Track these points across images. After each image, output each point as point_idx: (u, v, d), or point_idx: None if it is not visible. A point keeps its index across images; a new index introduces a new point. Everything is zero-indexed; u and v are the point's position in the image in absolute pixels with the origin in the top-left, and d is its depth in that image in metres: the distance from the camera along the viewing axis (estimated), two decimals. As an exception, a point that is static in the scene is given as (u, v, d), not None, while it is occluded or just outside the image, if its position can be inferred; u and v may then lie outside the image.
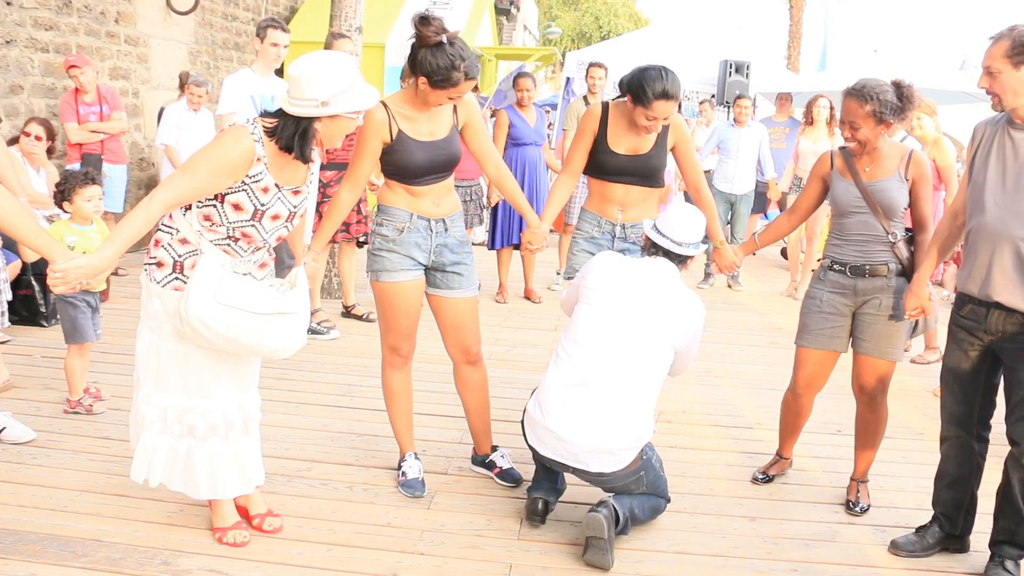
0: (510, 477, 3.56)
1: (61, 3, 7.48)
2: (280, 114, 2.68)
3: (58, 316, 4.34)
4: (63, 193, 4.06)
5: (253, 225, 2.73)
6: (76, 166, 6.47)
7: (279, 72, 5.16)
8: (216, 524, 3.06)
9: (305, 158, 2.74)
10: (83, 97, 6.74)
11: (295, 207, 2.82)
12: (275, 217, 2.76)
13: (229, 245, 2.76)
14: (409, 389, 3.52)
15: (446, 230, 3.33)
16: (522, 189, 4.84)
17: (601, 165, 3.58)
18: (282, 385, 4.60)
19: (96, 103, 6.72)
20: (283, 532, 3.12)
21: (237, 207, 2.68)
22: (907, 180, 3.34)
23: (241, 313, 2.66)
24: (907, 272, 3.35)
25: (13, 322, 5.02)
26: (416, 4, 11.79)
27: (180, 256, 2.72)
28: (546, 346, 5.74)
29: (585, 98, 7.59)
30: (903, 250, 3.34)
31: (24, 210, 2.44)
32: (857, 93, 3.22)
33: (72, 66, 6.66)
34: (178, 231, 2.74)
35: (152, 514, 3.21)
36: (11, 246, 4.29)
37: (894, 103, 3.20)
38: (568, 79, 12.19)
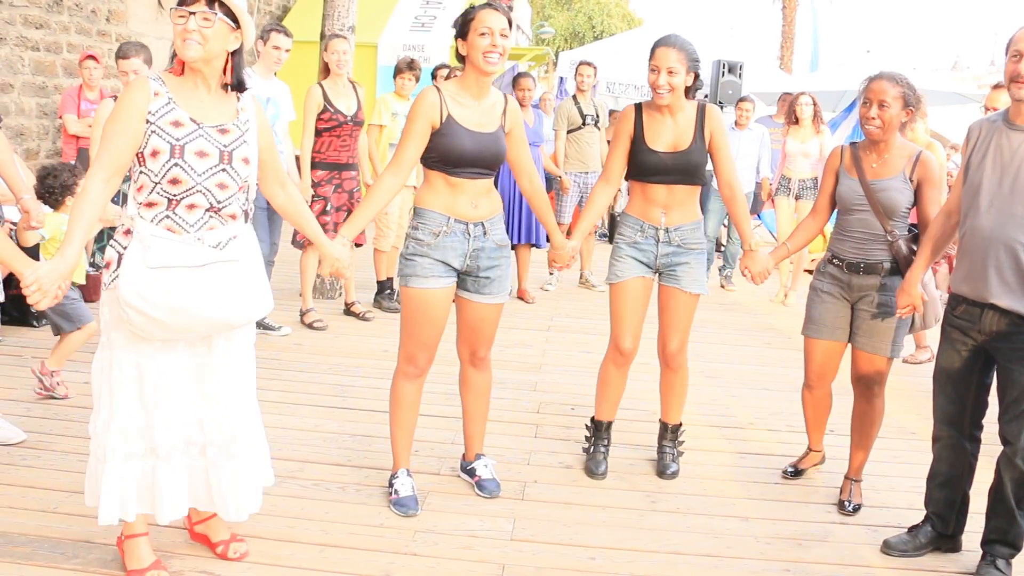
0: (488, 488, 3.51)
1: (52, 1, 7.46)
2: None
3: (45, 316, 4.34)
4: (64, 186, 4.05)
5: (176, 164, 2.51)
6: (72, 164, 6.46)
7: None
8: (131, 566, 2.82)
9: (236, 87, 2.63)
10: (87, 93, 6.79)
11: (225, 147, 2.59)
12: (200, 154, 2.54)
13: (170, 218, 2.56)
14: (417, 403, 3.42)
15: (484, 234, 3.25)
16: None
17: (642, 165, 3.54)
18: (274, 386, 4.59)
19: (98, 101, 6.73)
20: (275, 532, 3.11)
21: (155, 153, 2.51)
22: (912, 181, 3.35)
23: (175, 271, 2.50)
24: (903, 270, 3.35)
25: (3, 322, 4.99)
26: (409, 3, 11.80)
27: (124, 248, 2.58)
28: (538, 346, 5.74)
29: (574, 97, 7.60)
30: (903, 248, 3.35)
31: None
32: (888, 75, 3.31)
33: (89, 57, 6.68)
34: (123, 224, 2.63)
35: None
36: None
37: (916, 94, 3.30)
38: (561, 79, 12.19)
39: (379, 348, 5.48)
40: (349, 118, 5.73)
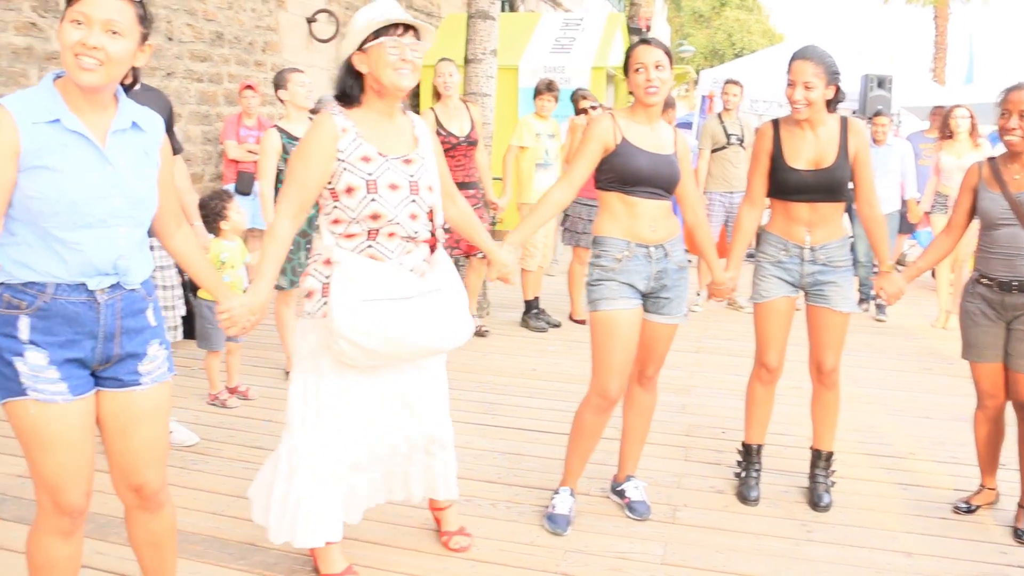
0: (638, 510, 3.47)
1: (214, 36, 7.93)
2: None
3: (194, 324, 4.62)
4: (216, 213, 4.31)
5: (373, 199, 2.61)
6: (231, 186, 6.86)
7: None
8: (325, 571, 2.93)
9: (352, 99, 2.68)
10: (245, 121, 7.18)
11: (412, 176, 2.69)
12: (392, 187, 2.64)
13: (371, 247, 2.68)
14: (600, 433, 3.37)
15: (666, 255, 3.24)
16: None
17: (782, 184, 3.47)
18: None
19: (256, 128, 7.12)
20: (426, 547, 3.17)
21: (349, 190, 2.61)
22: None
23: (387, 303, 2.59)
24: None
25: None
26: (549, 26, 11.93)
27: (327, 278, 2.67)
28: (686, 368, 5.63)
29: (719, 115, 7.50)
30: None
31: (201, 253, 2.55)
32: None
33: (248, 87, 7.08)
34: (320, 254, 2.73)
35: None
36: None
37: None
38: (703, 98, 12.04)
39: (526, 367, 5.53)
40: (462, 139, 5.78)
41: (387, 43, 2.59)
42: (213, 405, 4.61)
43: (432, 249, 2.81)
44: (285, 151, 4.80)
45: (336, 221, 2.69)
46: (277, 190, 4.87)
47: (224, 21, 8.06)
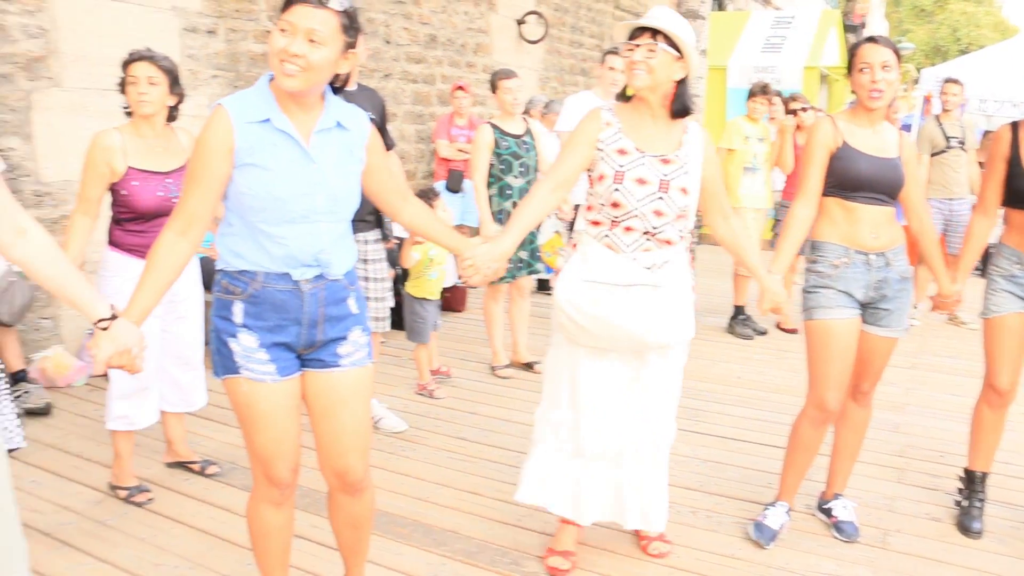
0: (846, 531, 3.30)
1: (428, 38, 8.27)
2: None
3: (403, 316, 4.82)
4: None
5: (617, 189, 2.70)
6: (442, 183, 7.12)
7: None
8: (550, 544, 3.12)
9: (625, 98, 2.82)
10: (457, 120, 7.44)
11: (665, 176, 2.72)
12: (640, 181, 2.70)
13: (608, 237, 2.76)
14: (817, 448, 3.26)
15: (887, 264, 3.11)
16: None
17: (1020, 193, 3.21)
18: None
19: (467, 128, 7.37)
20: (623, 548, 3.17)
21: (601, 177, 2.75)
22: None
23: (603, 287, 2.71)
24: None
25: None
26: (759, 24, 11.59)
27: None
28: (901, 384, 5.29)
29: (937, 117, 7.01)
30: None
31: (433, 215, 2.68)
32: None
33: (460, 88, 7.35)
34: (573, 238, 2.93)
35: (504, 515, 3.40)
36: (393, 257, 4.76)
37: None
38: (924, 99, 11.30)
39: (731, 374, 5.39)
40: None
41: (623, 48, 2.74)
42: (421, 395, 4.80)
43: (672, 250, 2.81)
44: (497, 146, 4.94)
45: (589, 208, 2.85)
46: (488, 185, 5.02)
47: (438, 24, 8.39)
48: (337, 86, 2.26)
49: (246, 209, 2.15)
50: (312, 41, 2.05)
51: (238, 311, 2.20)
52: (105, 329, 2.03)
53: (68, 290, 1.99)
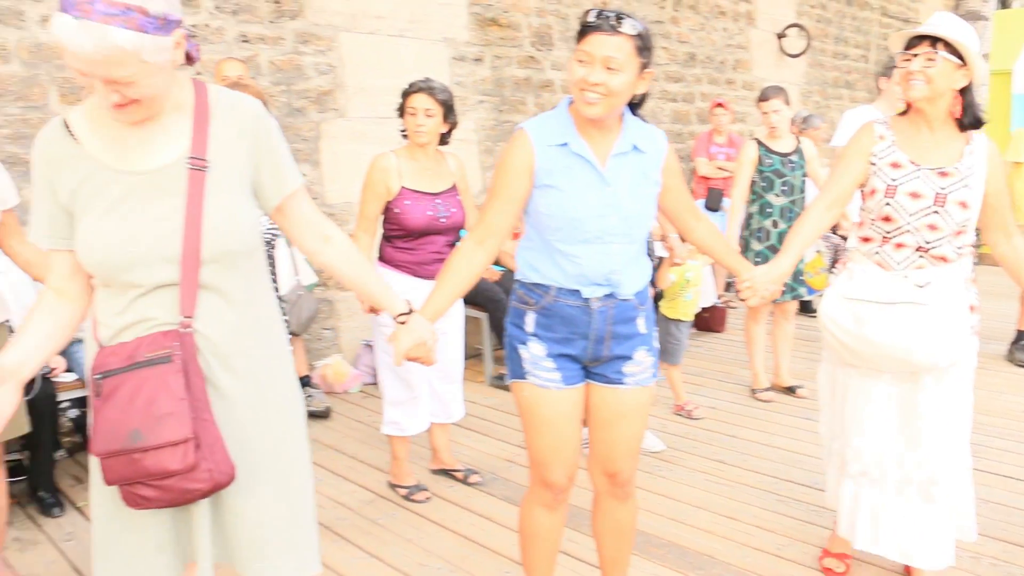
0: None
1: (687, 57, 8.21)
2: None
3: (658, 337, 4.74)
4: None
5: (888, 203, 2.59)
6: (701, 202, 7.03)
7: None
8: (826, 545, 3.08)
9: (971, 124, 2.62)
10: (716, 138, 7.34)
11: (942, 189, 2.55)
12: (914, 195, 2.56)
13: (879, 254, 2.66)
14: None
15: None
16: None
17: None
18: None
19: (726, 145, 7.25)
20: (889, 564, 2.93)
21: (872, 192, 2.64)
22: None
23: (866, 305, 2.61)
24: None
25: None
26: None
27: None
28: None
29: None
30: None
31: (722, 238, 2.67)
32: None
33: (719, 104, 7.27)
34: (844, 255, 2.84)
35: (763, 543, 3.26)
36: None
37: None
38: None
39: (1016, 407, 4.84)
40: None
41: (900, 59, 2.59)
42: (679, 415, 4.74)
43: (948, 267, 2.62)
44: (760, 163, 4.81)
45: (860, 224, 2.76)
46: (750, 202, 4.89)
47: (697, 42, 8.31)
48: (635, 103, 2.30)
49: (543, 227, 2.25)
50: (610, 68, 2.10)
51: (530, 321, 2.31)
52: (403, 323, 2.16)
53: (370, 288, 2.12)
